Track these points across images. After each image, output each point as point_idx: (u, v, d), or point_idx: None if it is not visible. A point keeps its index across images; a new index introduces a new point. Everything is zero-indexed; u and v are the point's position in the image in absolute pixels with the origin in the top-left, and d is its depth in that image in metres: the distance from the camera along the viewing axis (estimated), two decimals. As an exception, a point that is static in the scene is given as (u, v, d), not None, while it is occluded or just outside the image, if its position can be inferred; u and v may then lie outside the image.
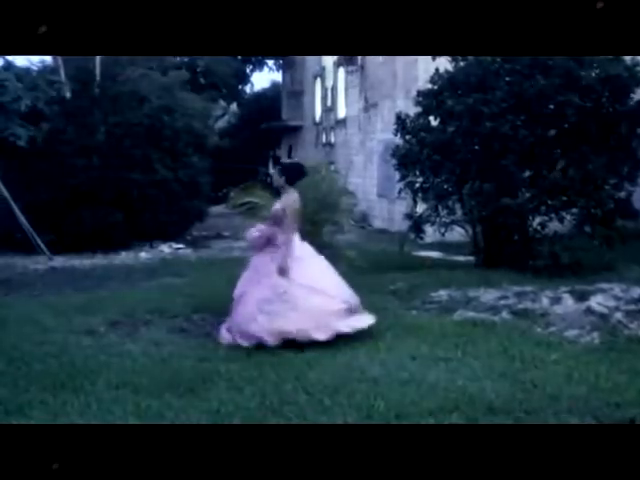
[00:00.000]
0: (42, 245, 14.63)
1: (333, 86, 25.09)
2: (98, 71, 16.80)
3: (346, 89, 23.74)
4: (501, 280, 9.23)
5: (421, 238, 12.22)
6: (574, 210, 10.95)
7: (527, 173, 11.09)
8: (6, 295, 10.21)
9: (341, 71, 24.12)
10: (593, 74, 10.80)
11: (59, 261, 14.20)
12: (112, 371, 5.84)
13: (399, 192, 13.02)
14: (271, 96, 33.11)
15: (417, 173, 11.85)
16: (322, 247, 8.29)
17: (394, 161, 12.15)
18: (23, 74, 15.97)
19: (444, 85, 11.54)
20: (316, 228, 9.08)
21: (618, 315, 7.19)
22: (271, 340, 6.46)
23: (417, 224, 11.89)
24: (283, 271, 6.64)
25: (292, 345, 6.37)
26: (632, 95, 10.99)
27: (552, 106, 10.73)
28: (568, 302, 7.70)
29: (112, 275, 12.16)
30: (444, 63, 11.72)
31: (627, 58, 10.96)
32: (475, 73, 11.12)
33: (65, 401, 5.12)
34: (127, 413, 4.89)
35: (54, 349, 6.56)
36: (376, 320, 7.00)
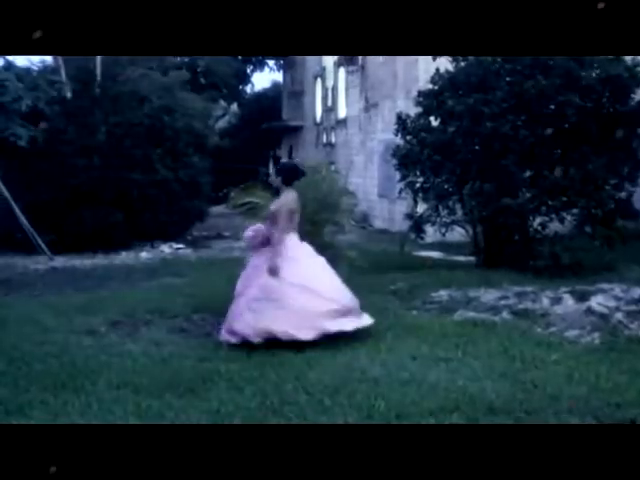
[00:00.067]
0: (43, 245, 14.63)
1: (334, 86, 25.09)
2: (99, 71, 16.80)
3: (347, 89, 23.75)
4: (501, 280, 9.23)
5: (422, 238, 12.22)
6: (575, 210, 10.95)
7: (527, 173, 11.09)
8: (6, 295, 10.22)
9: (341, 71, 24.12)
10: (593, 74, 10.81)
11: (60, 261, 14.20)
12: (113, 371, 5.84)
13: (400, 192, 13.02)
14: (271, 96, 33.12)
15: (418, 173, 11.86)
16: (323, 247, 8.29)
17: (395, 161, 12.16)
18: (24, 74, 15.97)
19: (445, 85, 11.55)
20: (317, 228, 9.08)
21: (618, 315, 7.19)
22: (256, 338, 6.49)
23: (418, 224, 11.89)
24: (273, 270, 6.66)
25: (291, 345, 6.37)
26: (632, 95, 10.99)
27: (552, 106, 10.73)
28: (568, 302, 7.70)
29: (112, 275, 12.16)
30: (444, 63, 11.72)
31: (627, 58, 10.96)
32: (476, 73, 11.12)
33: (66, 401, 5.13)
34: (128, 413, 4.89)
35: (55, 349, 6.56)
36: (375, 321, 7.00)
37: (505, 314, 7.63)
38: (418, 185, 11.89)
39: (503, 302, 8.03)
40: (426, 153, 11.47)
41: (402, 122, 12.02)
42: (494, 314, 7.65)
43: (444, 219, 11.72)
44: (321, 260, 7.08)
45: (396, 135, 12.33)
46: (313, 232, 8.75)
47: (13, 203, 14.65)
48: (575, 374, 5.56)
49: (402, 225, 14.03)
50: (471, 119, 10.83)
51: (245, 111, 33.70)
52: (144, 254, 15.62)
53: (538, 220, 11.15)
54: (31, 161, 15.58)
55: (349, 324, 6.67)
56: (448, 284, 9.23)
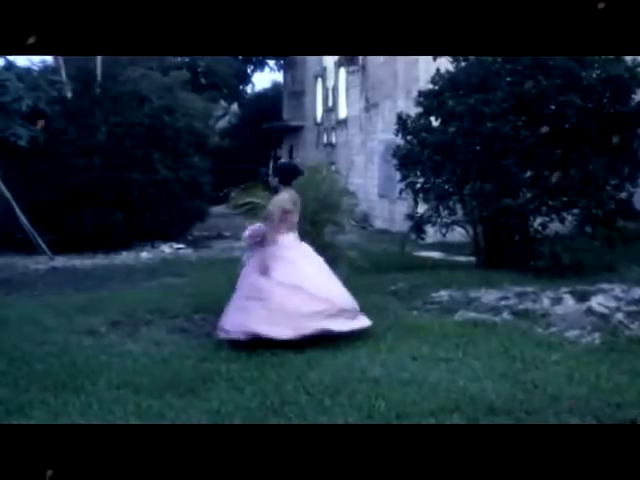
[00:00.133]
0: (43, 245, 14.63)
1: (334, 86, 25.09)
2: (99, 71, 16.81)
3: (347, 89, 23.75)
4: (502, 280, 9.22)
5: (422, 238, 12.21)
6: (575, 211, 10.95)
7: (528, 173, 11.09)
8: (7, 295, 10.22)
9: (342, 71, 24.12)
10: (594, 75, 10.80)
11: (60, 261, 14.20)
12: (113, 371, 5.84)
13: (400, 192, 13.02)
14: (272, 96, 33.11)
15: (418, 173, 11.86)
16: (323, 247, 8.30)
17: (395, 161, 12.16)
18: (24, 74, 15.96)
19: (445, 85, 11.54)
20: (317, 228, 9.09)
21: (619, 316, 7.18)
22: (241, 336, 6.52)
23: (418, 224, 11.89)
24: (262, 270, 6.69)
25: (292, 345, 6.37)
26: (633, 96, 10.98)
27: (553, 106, 10.72)
28: (569, 303, 7.70)
29: (113, 275, 12.16)
30: (445, 63, 11.72)
31: (628, 58, 10.96)
32: (476, 73, 11.12)
33: (66, 401, 5.13)
34: (128, 413, 4.89)
35: (55, 349, 6.56)
36: (376, 321, 7.01)
37: (506, 314, 7.62)
38: (418, 185, 11.89)
39: (503, 302, 8.03)
40: (426, 153, 11.46)
41: (402, 122, 12.02)
42: (495, 314, 7.65)
43: (444, 219, 11.72)
44: (318, 260, 7.07)
45: (396, 135, 12.32)
46: (313, 232, 8.77)
47: (14, 203, 14.65)
48: (575, 374, 5.56)
49: (402, 225, 14.03)
50: (472, 119, 10.83)
51: (245, 111, 33.69)
52: (144, 254, 15.62)
53: (539, 220, 11.14)
54: (31, 161, 15.58)
55: (341, 325, 6.62)
56: (448, 284, 9.23)
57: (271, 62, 32.72)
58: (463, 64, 11.48)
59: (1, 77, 15.16)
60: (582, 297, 7.75)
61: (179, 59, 24.40)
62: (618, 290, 7.99)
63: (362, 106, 22.10)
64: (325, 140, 25.82)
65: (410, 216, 12.15)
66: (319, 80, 26.59)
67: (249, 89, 34.67)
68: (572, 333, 6.90)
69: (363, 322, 6.87)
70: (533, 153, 10.82)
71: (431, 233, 12.53)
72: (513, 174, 10.76)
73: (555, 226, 11.14)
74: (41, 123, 15.34)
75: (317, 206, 9.08)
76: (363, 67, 21.98)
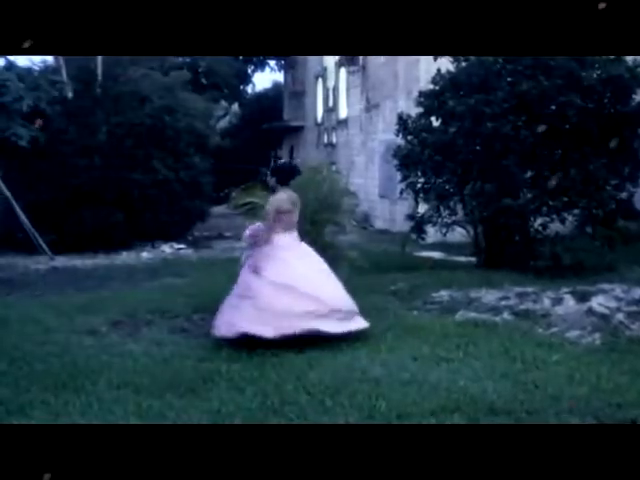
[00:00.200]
0: (43, 245, 14.63)
1: (335, 86, 25.09)
2: (100, 71, 16.80)
3: (348, 89, 23.75)
4: (502, 281, 9.22)
5: (422, 239, 12.21)
6: (575, 211, 10.95)
7: (529, 174, 11.09)
8: (8, 295, 10.21)
9: (343, 71, 24.12)
10: (595, 75, 10.80)
11: (60, 261, 14.20)
12: (113, 371, 5.84)
13: (401, 193, 13.02)
14: (272, 96, 33.11)
15: (419, 174, 11.86)
16: (323, 247, 8.30)
17: (396, 162, 12.16)
18: (25, 74, 15.96)
19: (446, 86, 11.54)
20: (317, 228, 9.09)
21: (619, 316, 7.18)
22: (229, 334, 6.58)
23: (419, 224, 11.89)
24: (253, 268, 6.77)
25: (292, 345, 6.37)
26: (633, 96, 10.98)
27: (553, 107, 10.72)
28: (569, 303, 7.70)
29: (113, 275, 12.16)
30: (446, 63, 11.71)
31: (629, 59, 10.95)
32: (477, 73, 11.12)
33: (67, 401, 5.13)
34: (128, 413, 4.90)
35: (56, 349, 6.56)
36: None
37: (506, 315, 7.62)
38: (419, 185, 11.89)
39: (504, 303, 8.03)
40: (427, 153, 11.46)
41: (403, 122, 12.02)
42: (495, 315, 7.65)
43: (445, 219, 11.72)
44: (318, 260, 7.05)
45: (397, 135, 12.32)
46: (314, 232, 8.77)
47: (14, 203, 14.65)
48: (576, 375, 5.56)
49: (403, 225, 14.03)
50: (472, 119, 10.83)
51: (246, 111, 33.68)
52: (145, 254, 15.62)
53: (539, 220, 11.14)
54: (32, 161, 15.58)
55: (333, 326, 6.58)
56: (449, 284, 9.23)
57: (272, 62, 32.72)
58: (464, 64, 11.48)
59: (2, 77, 15.16)
60: (583, 297, 7.75)
61: (180, 59, 24.40)
62: (619, 290, 7.99)
63: (363, 106, 22.10)
64: (326, 140, 25.82)
65: (411, 216, 12.15)
66: (320, 80, 26.59)
67: (250, 89, 34.71)
68: (573, 333, 6.90)
69: (359, 324, 6.83)
70: (533, 153, 10.82)
71: (432, 233, 12.54)
72: (513, 174, 10.76)
73: (555, 226, 11.14)
74: (39, 122, 15.30)
75: (318, 206, 9.08)
76: (364, 67, 21.97)
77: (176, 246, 16.82)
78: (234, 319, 6.59)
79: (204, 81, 26.69)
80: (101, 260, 14.56)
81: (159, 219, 16.80)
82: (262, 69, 33.35)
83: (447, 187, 11.63)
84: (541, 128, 10.57)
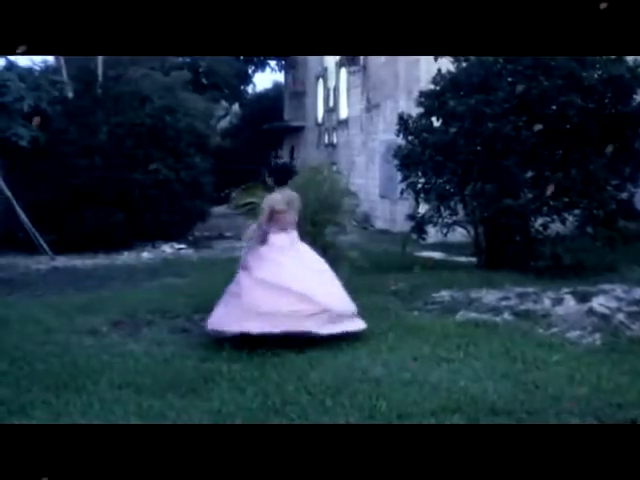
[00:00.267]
0: (44, 245, 14.64)
1: (335, 86, 25.08)
2: (100, 71, 16.80)
3: (348, 90, 23.74)
4: (503, 281, 9.23)
5: (423, 239, 12.21)
6: (576, 211, 10.94)
7: (529, 174, 11.09)
8: (8, 295, 10.21)
9: (343, 71, 24.11)
10: (595, 75, 10.80)
11: (61, 261, 14.20)
12: (114, 371, 5.85)
13: (401, 193, 13.02)
14: (273, 96, 33.09)
15: (419, 174, 11.86)
16: (324, 248, 8.31)
17: (396, 162, 12.16)
18: (25, 74, 15.95)
19: (446, 86, 11.54)
20: (318, 229, 9.10)
21: (620, 316, 7.18)
22: (219, 329, 6.72)
23: (419, 225, 11.88)
24: (245, 266, 6.89)
25: (292, 345, 6.37)
26: (634, 96, 10.98)
27: (554, 107, 10.72)
28: (570, 303, 7.70)
29: (114, 275, 12.16)
30: (446, 64, 11.71)
31: (629, 59, 10.95)
32: (477, 74, 11.12)
33: (67, 401, 5.13)
34: (129, 413, 4.90)
35: (56, 349, 6.57)
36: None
37: (507, 315, 7.62)
38: (420, 186, 11.89)
39: (504, 303, 8.03)
40: (428, 154, 11.46)
41: (404, 122, 12.02)
42: (496, 315, 7.65)
43: (445, 220, 11.72)
44: (315, 260, 7.05)
45: (398, 135, 12.32)
46: (315, 232, 8.78)
47: (15, 203, 14.66)
48: (576, 375, 5.56)
49: (403, 226, 14.02)
50: (473, 120, 10.83)
51: (247, 111, 33.67)
52: (145, 254, 15.62)
53: (540, 221, 11.14)
54: (33, 161, 15.58)
55: (324, 327, 6.54)
56: (450, 285, 9.23)
57: (272, 62, 32.68)
58: (464, 64, 11.48)
59: (2, 77, 15.16)
60: (583, 298, 7.75)
61: (180, 59, 24.38)
62: (619, 291, 7.99)
63: (363, 106, 22.10)
64: (326, 140, 25.82)
65: (411, 216, 12.15)
66: (320, 80, 26.58)
67: (250, 89, 34.65)
68: (573, 334, 6.90)
69: (355, 325, 6.80)
70: (534, 153, 10.82)
71: (432, 233, 12.53)
72: (514, 174, 10.77)
73: (556, 226, 11.14)
74: (37, 121, 15.26)
75: (318, 206, 9.09)
76: (364, 67, 21.97)
77: (176, 246, 16.82)
78: (222, 316, 6.72)
79: (204, 81, 26.66)
80: (101, 260, 14.56)
81: (160, 219, 16.80)
82: (263, 69, 33.32)
83: (448, 187, 11.63)
84: (537, 127, 10.57)
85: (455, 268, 11.41)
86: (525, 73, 10.74)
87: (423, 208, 12.20)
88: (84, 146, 15.96)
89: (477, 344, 6.52)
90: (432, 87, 11.78)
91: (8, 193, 14.65)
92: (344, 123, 24.10)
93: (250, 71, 32.99)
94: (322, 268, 7.04)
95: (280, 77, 33.37)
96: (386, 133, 18.57)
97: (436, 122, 11.79)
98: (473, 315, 7.67)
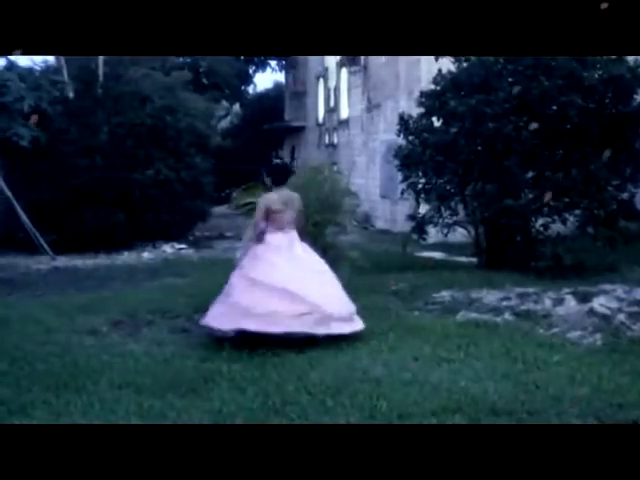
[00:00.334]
0: (45, 245, 14.64)
1: (336, 87, 25.09)
2: (101, 71, 16.80)
3: (349, 90, 23.74)
4: (504, 281, 9.22)
5: (424, 239, 12.21)
6: (577, 211, 10.94)
7: (530, 174, 11.08)
8: (9, 295, 10.22)
9: (344, 72, 24.12)
10: (596, 75, 10.80)
11: (62, 261, 14.20)
12: (114, 371, 5.84)
13: (402, 193, 13.02)
14: (274, 97, 33.09)
15: (420, 174, 11.86)
16: (324, 248, 8.30)
17: (397, 162, 12.15)
18: (26, 74, 15.95)
19: (447, 86, 11.54)
20: (319, 229, 9.10)
21: (621, 316, 7.18)
22: (208, 324, 6.81)
23: (420, 225, 11.88)
24: (239, 266, 6.97)
25: (293, 345, 6.37)
26: (635, 96, 10.98)
27: (555, 107, 10.72)
28: (571, 303, 7.69)
29: (114, 275, 12.17)
30: (447, 64, 11.71)
31: (630, 59, 10.94)
32: (478, 74, 11.12)
33: (68, 401, 5.13)
34: (129, 413, 4.89)
35: (57, 349, 6.57)
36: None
37: (507, 315, 7.62)
38: (420, 186, 11.89)
39: (505, 303, 8.03)
40: (428, 154, 11.46)
41: (404, 123, 12.02)
42: (496, 315, 7.65)
43: (446, 220, 11.72)
44: (315, 261, 7.03)
45: (398, 136, 12.32)
46: (315, 232, 8.77)
47: (15, 203, 14.66)
48: (577, 375, 5.56)
49: (404, 226, 14.02)
50: (473, 120, 10.82)
51: (247, 111, 33.68)
52: (146, 254, 15.63)
53: (540, 221, 11.14)
54: (33, 161, 15.58)
55: (317, 328, 6.48)
56: (450, 285, 9.23)
57: (273, 62, 32.68)
58: (465, 64, 11.47)
59: (3, 77, 15.16)
60: (584, 298, 7.75)
61: (181, 59, 24.39)
62: (620, 291, 7.98)
63: (364, 106, 22.10)
64: (327, 140, 25.82)
65: (412, 216, 12.15)
66: (321, 80, 26.58)
67: (251, 89, 34.65)
68: (574, 334, 6.90)
69: (354, 326, 6.77)
70: (535, 154, 10.82)
71: (433, 233, 12.53)
72: (515, 175, 10.76)
73: (557, 227, 11.14)
74: (34, 119, 15.25)
75: (319, 206, 9.08)
76: (365, 67, 21.97)
77: (177, 246, 16.83)
78: (213, 313, 6.81)
79: (205, 81, 26.67)
80: (102, 260, 14.57)
81: (160, 219, 16.81)
82: (263, 69, 33.31)
83: (448, 187, 11.63)
84: (532, 126, 10.57)
85: (456, 268, 11.41)
86: (526, 73, 10.74)
87: (424, 208, 12.20)
88: (85, 146, 15.96)
89: (478, 344, 6.51)
90: (433, 87, 11.78)
91: (9, 193, 14.65)
92: (345, 123, 24.10)
93: (251, 71, 32.99)
94: (321, 269, 7.02)
95: (281, 77, 33.39)
96: (387, 133, 18.57)
97: (437, 122, 11.79)
98: (474, 315, 7.67)
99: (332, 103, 25.53)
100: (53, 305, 8.74)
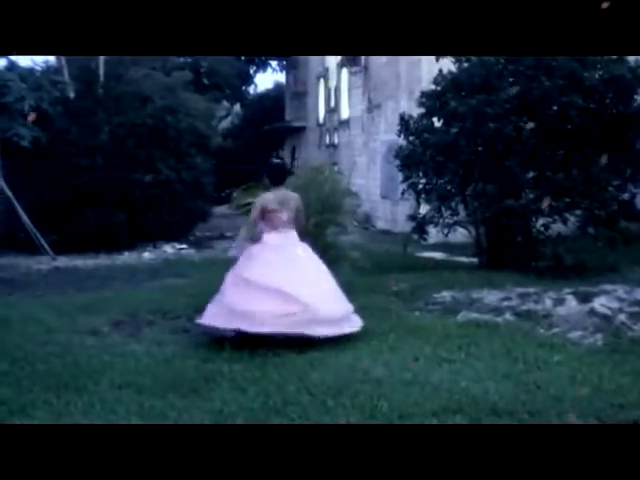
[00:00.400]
0: (45, 245, 14.64)
1: (336, 87, 25.08)
2: (102, 71, 16.80)
3: (349, 90, 23.73)
4: (504, 281, 9.22)
5: (424, 239, 12.20)
6: (578, 212, 10.94)
7: (530, 174, 11.08)
8: (10, 295, 10.23)
9: (344, 72, 24.10)
10: (597, 75, 10.79)
11: (62, 261, 14.21)
12: (115, 371, 5.85)
13: (402, 193, 13.01)
14: (274, 97, 33.09)
15: (420, 174, 11.85)
16: (325, 248, 8.30)
17: (397, 162, 12.15)
18: (27, 74, 15.96)
19: (447, 86, 11.53)
20: (319, 229, 9.09)
21: (621, 317, 7.18)
22: (202, 323, 6.88)
23: (420, 225, 11.87)
24: (234, 265, 7.03)
25: (293, 345, 6.37)
26: (636, 96, 10.97)
27: (555, 107, 10.71)
28: (571, 303, 7.69)
29: (115, 275, 12.17)
30: (447, 64, 11.70)
31: (631, 59, 10.93)
32: (479, 74, 11.11)
33: (68, 401, 5.13)
34: (130, 413, 4.90)
35: (57, 349, 6.57)
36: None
37: (508, 315, 7.62)
38: (421, 186, 11.88)
39: (506, 303, 8.03)
40: (429, 154, 11.46)
41: (405, 123, 12.01)
42: (497, 315, 7.65)
43: (447, 220, 11.71)
44: (310, 262, 7.02)
45: (399, 136, 12.31)
46: (316, 233, 8.77)
47: (16, 203, 14.67)
48: (578, 375, 5.56)
49: (405, 226, 14.02)
50: (474, 120, 10.82)
51: (248, 112, 33.68)
52: (147, 254, 15.63)
53: (541, 221, 11.13)
54: (34, 161, 15.59)
55: (312, 328, 6.44)
56: (451, 285, 9.23)
57: (273, 63, 32.68)
58: (465, 65, 11.46)
59: (3, 77, 15.16)
60: (585, 298, 7.75)
61: (182, 59, 24.39)
62: (621, 291, 7.98)
63: (364, 107, 22.09)
64: (327, 141, 25.81)
65: (412, 217, 12.14)
66: (321, 81, 26.57)
67: (251, 90, 34.65)
68: (574, 334, 6.90)
69: (351, 327, 6.75)
70: (535, 154, 10.81)
71: (433, 234, 12.52)
72: (515, 175, 10.76)
73: (557, 227, 11.13)
74: (32, 117, 15.25)
75: (319, 207, 9.08)
76: (365, 68, 21.95)
77: (178, 246, 16.83)
78: (208, 312, 6.87)
79: (206, 81, 26.66)
80: (103, 260, 14.57)
81: (161, 219, 16.81)
82: (264, 70, 33.31)
83: (449, 188, 11.62)
84: (529, 125, 10.57)
85: (456, 268, 11.41)
86: (526, 73, 10.73)
87: (424, 208, 12.19)
88: (85, 146, 15.97)
89: (478, 344, 6.51)
90: (433, 87, 11.77)
91: (9, 193, 14.66)
92: (345, 123, 24.09)
93: (251, 71, 32.99)
94: (319, 269, 7.01)
95: (281, 77, 33.38)
96: (387, 133, 18.57)
97: (437, 122, 11.79)
98: (474, 315, 7.67)
99: (333, 103, 25.52)
100: (54, 305, 8.74)
